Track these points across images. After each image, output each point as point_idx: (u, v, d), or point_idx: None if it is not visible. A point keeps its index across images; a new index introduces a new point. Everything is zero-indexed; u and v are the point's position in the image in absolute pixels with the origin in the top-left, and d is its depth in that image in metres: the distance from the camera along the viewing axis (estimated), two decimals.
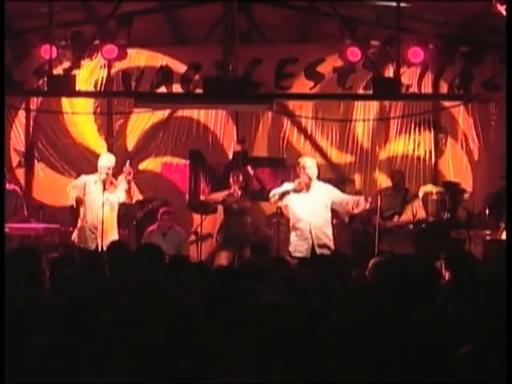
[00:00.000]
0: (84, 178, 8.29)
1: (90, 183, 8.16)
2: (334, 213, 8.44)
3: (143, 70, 10.38)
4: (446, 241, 8.84)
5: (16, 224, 8.91)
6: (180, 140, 10.66)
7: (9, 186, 9.37)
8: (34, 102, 10.53)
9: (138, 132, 10.66)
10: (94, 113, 10.62)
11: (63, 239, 9.16)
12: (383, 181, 10.32)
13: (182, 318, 3.72)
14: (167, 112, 10.63)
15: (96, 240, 7.99)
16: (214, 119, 10.65)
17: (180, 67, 10.36)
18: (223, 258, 8.76)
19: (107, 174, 8.07)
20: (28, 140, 10.54)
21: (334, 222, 8.54)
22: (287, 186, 8.35)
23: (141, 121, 10.63)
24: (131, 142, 10.66)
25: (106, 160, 8.27)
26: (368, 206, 8.13)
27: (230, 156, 10.64)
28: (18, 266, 4.96)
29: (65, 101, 10.40)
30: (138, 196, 9.64)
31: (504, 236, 8.26)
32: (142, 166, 10.62)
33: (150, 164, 10.70)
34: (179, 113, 10.65)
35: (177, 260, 5.93)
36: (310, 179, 8.14)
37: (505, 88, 6.83)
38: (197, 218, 10.00)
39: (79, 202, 8.28)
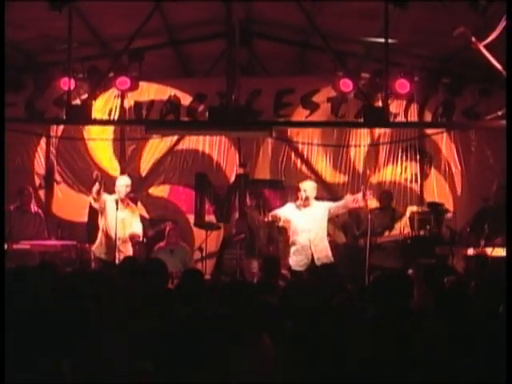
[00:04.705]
0: (105, 196, 8.41)
1: (109, 201, 8.27)
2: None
3: (153, 99, 10.42)
4: (430, 256, 8.88)
5: (37, 241, 8.98)
6: (187, 164, 10.75)
7: (33, 209, 9.45)
8: (54, 130, 10.64)
9: (150, 158, 10.77)
10: (109, 139, 10.72)
11: (79, 255, 9.22)
12: (373, 201, 10.34)
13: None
14: (175, 138, 10.72)
15: (114, 254, 8.05)
16: (218, 145, 10.73)
17: (187, 97, 10.38)
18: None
19: (124, 193, 8.18)
20: (48, 164, 10.65)
21: (329, 239, 8.61)
22: (288, 206, 8.42)
23: (153, 148, 10.72)
24: (143, 167, 10.75)
25: (123, 180, 8.42)
26: (367, 198, 8.21)
27: (233, 179, 10.72)
28: (37, 279, 5.06)
29: (82, 128, 10.52)
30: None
31: (485, 251, 8.32)
32: (151, 189, 10.72)
33: (160, 186, 10.78)
34: (186, 139, 10.73)
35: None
36: (307, 199, 8.23)
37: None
38: (201, 236, 10.10)
39: (97, 214, 8.40)
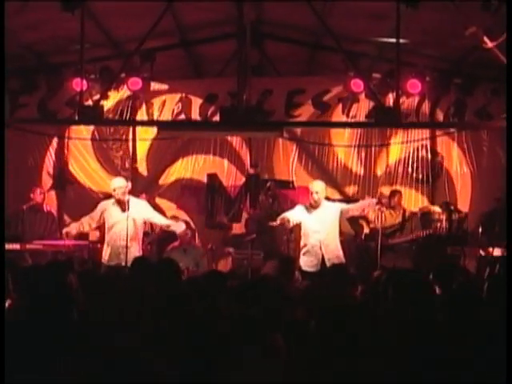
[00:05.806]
0: (100, 206, 8.22)
1: (108, 207, 8.14)
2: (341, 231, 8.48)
3: (165, 100, 10.48)
4: (442, 256, 8.83)
5: (49, 241, 8.99)
6: (198, 165, 10.75)
7: (46, 208, 9.44)
8: (67, 130, 10.66)
9: (160, 157, 10.78)
10: (121, 139, 10.74)
11: (91, 254, 9.22)
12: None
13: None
14: (186, 139, 10.73)
15: (119, 257, 7.97)
16: (229, 145, 10.74)
17: (198, 98, 10.46)
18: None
19: (123, 193, 8.05)
20: (61, 164, 10.68)
21: (340, 239, 8.55)
22: (298, 208, 8.36)
23: (162, 147, 10.73)
24: (154, 166, 10.76)
25: (119, 182, 8.26)
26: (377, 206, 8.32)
27: (244, 179, 10.71)
28: (49, 278, 5.05)
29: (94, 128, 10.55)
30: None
31: (496, 252, 8.27)
32: (163, 188, 10.72)
33: (171, 186, 10.78)
34: (197, 140, 10.74)
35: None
36: (319, 201, 8.16)
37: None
38: (212, 235, 10.07)
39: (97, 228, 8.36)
